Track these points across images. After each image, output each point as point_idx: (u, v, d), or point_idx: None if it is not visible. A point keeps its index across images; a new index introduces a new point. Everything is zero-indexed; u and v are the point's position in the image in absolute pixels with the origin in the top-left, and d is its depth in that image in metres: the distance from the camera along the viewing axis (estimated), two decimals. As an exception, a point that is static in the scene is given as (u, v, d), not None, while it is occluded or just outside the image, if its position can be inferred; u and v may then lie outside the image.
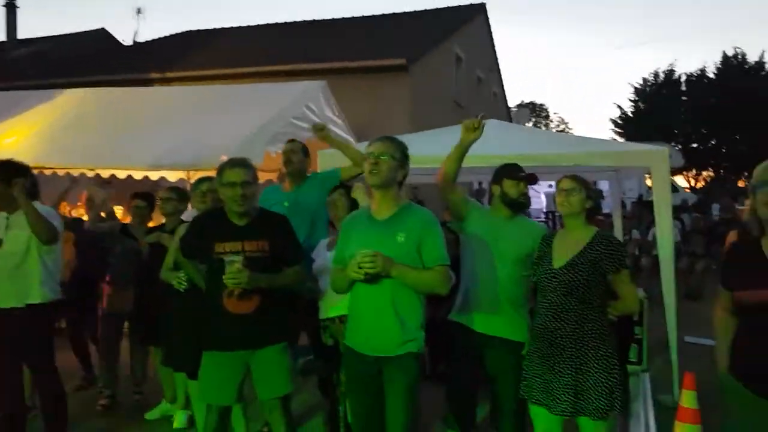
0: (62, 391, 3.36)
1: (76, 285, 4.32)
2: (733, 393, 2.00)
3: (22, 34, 19.05)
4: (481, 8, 16.21)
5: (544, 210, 16.98)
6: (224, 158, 5.65)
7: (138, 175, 7.57)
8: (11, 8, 18.53)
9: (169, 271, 3.41)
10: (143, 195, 4.26)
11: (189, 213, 3.93)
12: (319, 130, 3.86)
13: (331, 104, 7.80)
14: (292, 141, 3.89)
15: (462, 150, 2.81)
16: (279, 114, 6.75)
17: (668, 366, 4.42)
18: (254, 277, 2.54)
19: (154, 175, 7.19)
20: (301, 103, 7.12)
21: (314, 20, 15.74)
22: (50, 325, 3.37)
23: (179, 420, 3.82)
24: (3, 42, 18.76)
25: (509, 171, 2.98)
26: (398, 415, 2.45)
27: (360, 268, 2.29)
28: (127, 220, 4.80)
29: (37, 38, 19.29)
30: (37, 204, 3.17)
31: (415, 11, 15.44)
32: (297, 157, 3.69)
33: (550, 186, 18.55)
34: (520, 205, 2.96)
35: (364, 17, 15.44)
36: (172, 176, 7.44)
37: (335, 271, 2.59)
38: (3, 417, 3.26)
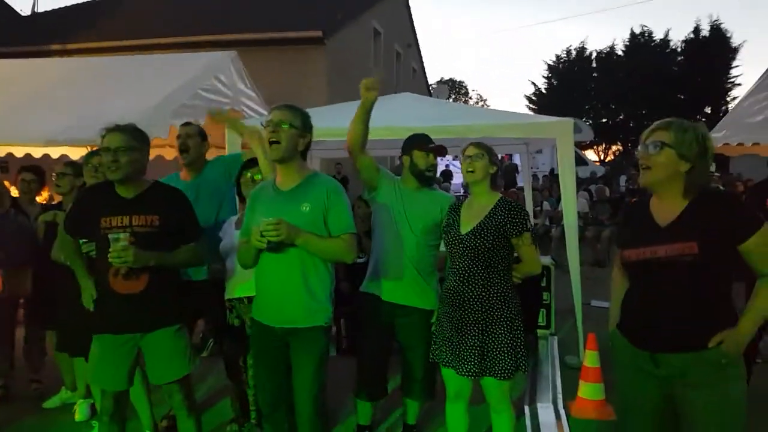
0: None
1: None
2: (620, 348, 2.09)
3: None
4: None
5: (459, 184, 17.37)
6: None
7: (37, 152, 7.06)
8: None
9: (58, 250, 3.17)
10: (32, 168, 3.93)
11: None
12: (215, 115, 3.62)
13: (243, 76, 7.51)
14: (187, 124, 3.54)
15: (364, 110, 2.76)
16: (185, 85, 6.43)
17: (575, 329, 4.60)
18: (141, 254, 2.36)
19: (54, 153, 6.73)
20: (210, 74, 6.80)
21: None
22: None
23: (81, 412, 3.61)
24: None
25: (418, 142, 2.98)
26: (306, 387, 2.43)
27: (263, 236, 2.22)
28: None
29: None
30: None
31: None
32: (193, 141, 3.38)
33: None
34: (427, 178, 2.98)
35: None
36: (74, 153, 6.99)
37: (241, 244, 2.50)
38: None
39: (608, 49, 29.14)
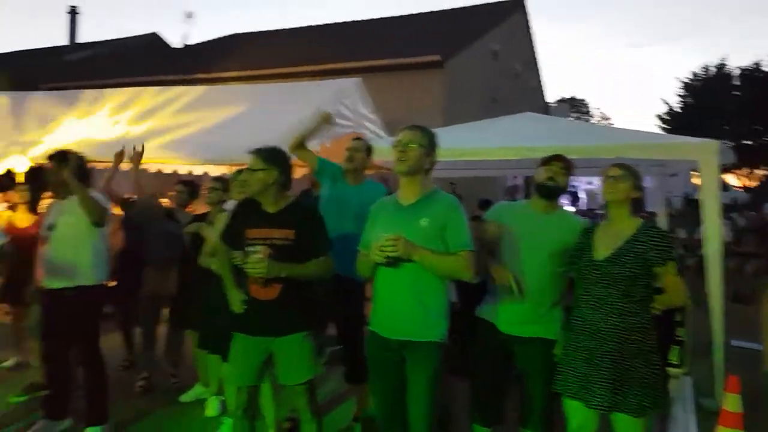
0: (104, 371, 3.52)
1: (123, 268, 4.48)
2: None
3: (82, 38, 19.98)
4: (519, 2, 16.00)
5: (585, 208, 16.59)
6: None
7: (182, 169, 7.88)
8: (73, 14, 19.48)
9: (207, 256, 3.52)
10: (185, 182, 4.40)
11: (230, 203, 4.04)
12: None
13: (366, 101, 7.84)
14: (357, 139, 3.97)
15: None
16: (314, 111, 6.81)
17: (711, 370, 4.23)
18: (274, 266, 2.59)
19: (198, 170, 7.47)
20: (336, 100, 7.18)
21: (352, 21, 15.94)
22: (99, 307, 3.54)
23: (212, 407, 3.91)
24: (64, 46, 19.71)
25: (542, 159, 2.90)
26: (420, 403, 2.46)
27: (381, 251, 2.32)
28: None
29: (94, 42, 20.14)
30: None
31: (451, 8, 15.40)
32: (359, 155, 3.76)
33: (590, 183, 18.06)
34: (548, 189, 2.81)
35: (401, 16, 15.54)
36: (215, 171, 7.70)
37: (360, 255, 2.62)
38: (49, 393, 3.44)
39: (753, 66, 26.54)
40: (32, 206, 4.68)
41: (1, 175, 7.79)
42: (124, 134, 7.14)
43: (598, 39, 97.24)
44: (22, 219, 4.56)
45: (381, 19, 15.64)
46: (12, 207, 4.73)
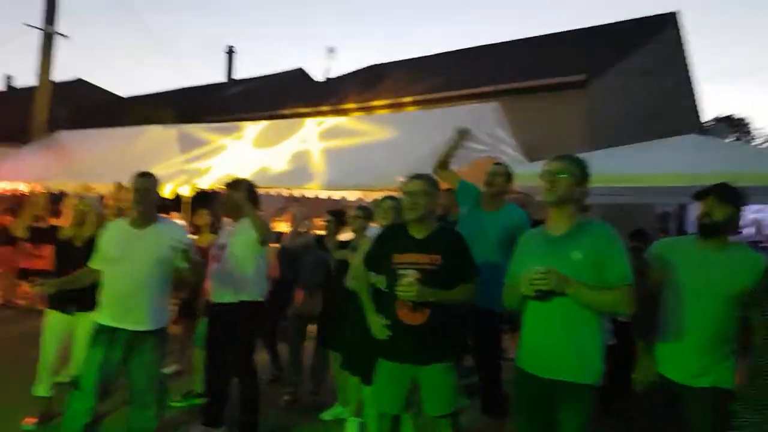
0: (257, 383, 3.74)
1: (274, 289, 4.78)
2: None
3: (238, 75, 22.22)
4: (671, 18, 14.83)
5: (754, 240, 14.71)
6: (401, 179, 6.06)
7: (323, 194, 8.37)
8: (230, 54, 21.78)
9: (353, 280, 3.61)
10: (334, 212, 4.62)
11: (372, 230, 4.18)
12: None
13: (503, 125, 7.72)
14: (498, 163, 4.02)
15: None
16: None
17: None
18: (424, 290, 2.59)
19: (336, 195, 7.88)
20: (474, 124, 7.15)
21: (489, 44, 15.77)
22: (256, 321, 3.78)
23: (351, 429, 3.96)
24: (223, 82, 22.04)
25: (695, 193, 2.64)
26: None
27: (532, 284, 2.22)
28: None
29: (248, 78, 22.26)
30: None
31: (597, 26, 14.63)
32: (500, 179, 3.78)
33: (760, 211, 15.99)
34: (706, 228, 2.55)
35: (541, 36, 15.06)
36: (351, 196, 8.06)
37: (507, 287, 2.54)
38: (208, 402, 3.73)
39: None
40: (213, 228, 5.13)
41: (170, 200, 8.82)
42: (274, 162, 7.72)
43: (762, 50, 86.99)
44: (203, 240, 5.00)
45: (519, 40, 15.31)
46: (196, 230, 5.22)
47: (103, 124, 13.32)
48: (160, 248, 3.12)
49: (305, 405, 4.46)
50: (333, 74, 20.72)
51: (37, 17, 13.85)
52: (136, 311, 3.10)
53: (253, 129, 9.24)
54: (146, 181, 3.22)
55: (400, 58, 17.94)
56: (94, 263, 3.29)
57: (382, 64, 18.24)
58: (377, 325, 2.82)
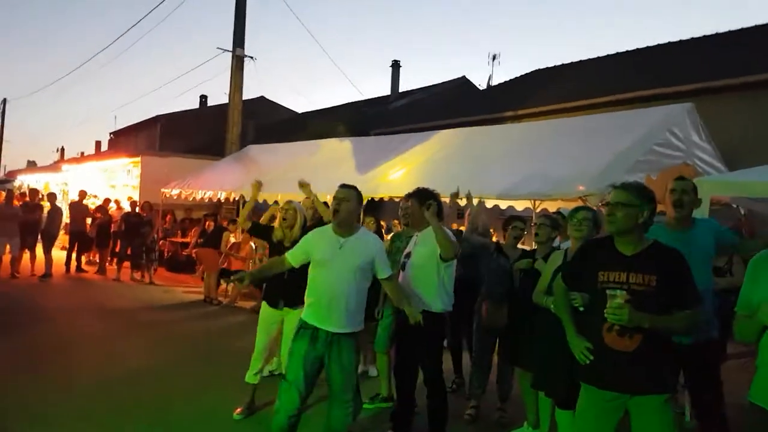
0: (445, 392, 3.74)
1: (457, 298, 4.76)
2: None
3: (403, 87, 22.98)
4: None
5: None
6: (581, 188, 5.75)
7: (489, 203, 8.23)
8: (396, 67, 22.61)
9: (542, 294, 3.48)
10: (521, 218, 4.48)
11: (564, 243, 3.99)
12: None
13: (699, 128, 6.94)
14: (681, 178, 3.47)
15: None
16: (638, 141, 6.35)
17: None
18: (636, 314, 2.33)
19: (502, 204, 7.71)
20: (664, 128, 6.54)
21: (679, 41, 14.23)
22: (442, 333, 3.80)
23: (545, 452, 3.79)
24: (388, 95, 22.95)
25: None
26: None
27: None
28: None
29: (412, 90, 22.92)
30: None
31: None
32: (689, 198, 3.31)
33: None
34: None
35: (740, 30, 13.26)
36: (519, 205, 7.81)
37: (740, 318, 2.21)
38: (397, 407, 3.82)
39: None
40: (378, 235, 5.39)
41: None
42: (444, 171, 7.77)
43: None
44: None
45: (715, 35, 13.59)
46: None
47: (282, 139, 14.62)
48: (361, 257, 3.28)
49: (490, 421, 4.34)
50: (496, 81, 20.49)
51: (228, 42, 15.53)
52: (337, 313, 3.25)
53: (420, 139, 9.46)
54: (347, 192, 3.37)
55: (569, 61, 17.05)
56: (292, 258, 3.45)
57: (549, 67, 17.54)
58: (579, 348, 2.60)
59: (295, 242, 3.74)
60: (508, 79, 18.98)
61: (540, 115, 11.94)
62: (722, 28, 16.43)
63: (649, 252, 2.50)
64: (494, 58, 22.43)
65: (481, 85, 21.70)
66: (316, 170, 9.43)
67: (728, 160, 7.21)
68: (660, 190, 3.42)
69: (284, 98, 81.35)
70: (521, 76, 18.18)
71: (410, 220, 3.90)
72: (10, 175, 29.25)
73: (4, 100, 37.61)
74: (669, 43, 14.32)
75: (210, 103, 30.81)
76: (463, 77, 22.35)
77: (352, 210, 3.35)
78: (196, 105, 31.66)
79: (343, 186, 3.42)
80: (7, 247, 9.91)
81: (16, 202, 10.75)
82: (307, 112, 27.16)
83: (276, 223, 4.62)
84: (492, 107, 14.39)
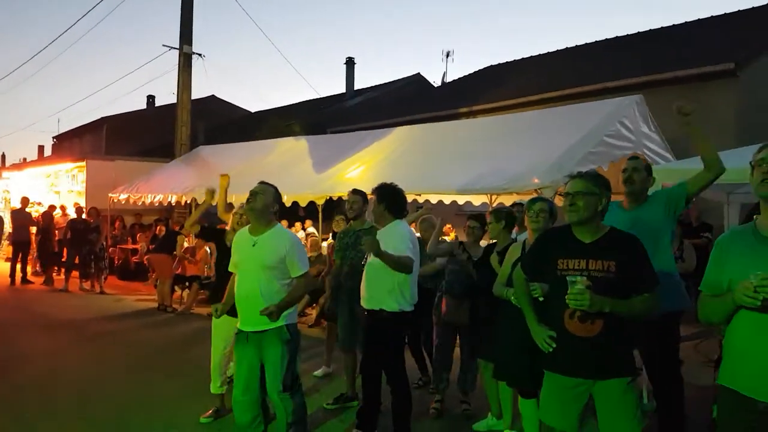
0: (408, 390, 3.71)
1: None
2: None
3: (357, 85, 22.87)
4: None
5: None
6: (536, 180, 5.82)
7: (447, 199, 8.29)
8: (350, 64, 22.46)
9: (502, 286, 3.49)
10: (476, 217, 4.49)
11: (521, 235, 4.00)
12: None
13: (648, 119, 7.15)
14: (634, 158, 3.64)
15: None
16: (589, 133, 6.48)
17: None
18: (597, 299, 2.35)
19: (460, 200, 7.76)
20: (614, 120, 6.70)
21: (625, 35, 14.68)
22: (402, 330, 3.78)
23: (508, 441, 3.81)
24: (343, 93, 22.81)
25: None
26: None
27: (755, 293, 1.90)
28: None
29: (368, 87, 22.85)
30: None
31: (748, 9, 13.05)
32: (639, 176, 3.43)
33: None
34: None
35: (684, 24, 13.76)
36: (476, 200, 7.89)
37: (705, 298, 2.21)
38: (363, 406, 3.77)
39: None
40: None
41: (303, 208, 9.20)
42: (402, 169, 7.74)
43: None
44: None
45: (660, 29, 14.04)
46: (333, 236, 5.40)
47: (235, 139, 14.28)
48: (270, 255, 3.23)
49: (455, 415, 4.34)
50: (450, 78, 20.64)
51: (175, 39, 15.07)
52: (251, 313, 3.21)
53: (377, 137, 9.41)
54: (262, 187, 3.35)
55: (520, 57, 17.32)
56: (231, 267, 3.46)
57: (502, 63, 17.78)
58: (542, 337, 2.61)
59: None
60: (461, 75, 19.17)
61: (494, 110, 12.07)
62: (655, 25, 17.00)
63: (607, 238, 2.53)
64: (448, 55, 22.53)
65: (436, 82, 21.87)
66: (271, 170, 9.24)
67: (676, 152, 7.43)
68: (612, 180, 3.50)
69: (237, 98, 79.75)
70: (475, 72, 18.40)
71: (374, 216, 3.83)
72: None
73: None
74: (615, 38, 14.76)
75: (158, 103, 29.87)
76: (418, 74, 22.46)
77: (266, 205, 3.29)
78: (143, 105, 30.63)
79: (261, 182, 3.42)
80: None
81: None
82: (261, 111, 26.73)
83: (228, 227, 4.46)
84: (447, 104, 14.46)
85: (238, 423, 3.33)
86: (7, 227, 11.58)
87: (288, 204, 7.83)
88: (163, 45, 15.06)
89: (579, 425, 2.55)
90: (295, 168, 9.49)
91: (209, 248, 9.12)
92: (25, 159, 34.16)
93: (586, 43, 15.43)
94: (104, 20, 50.16)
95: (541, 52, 16.53)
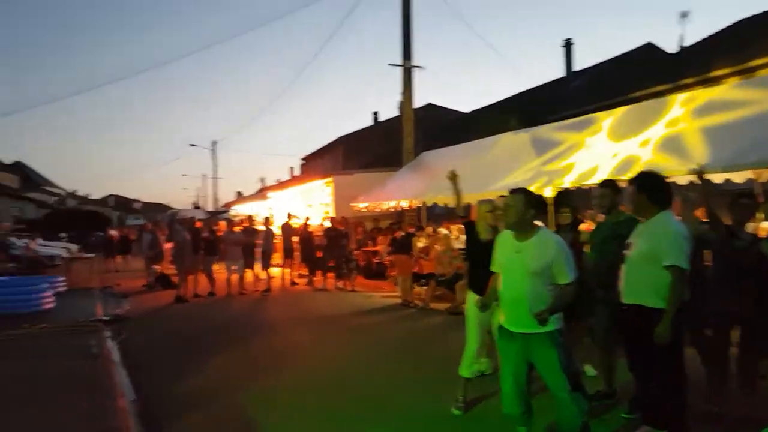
0: (686, 388, 3.43)
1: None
2: None
3: (578, 66, 21.68)
4: None
5: None
6: None
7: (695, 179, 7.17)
8: (568, 47, 21.36)
9: None
10: (747, 194, 3.94)
11: None
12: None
13: None
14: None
15: None
16: None
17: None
18: None
19: (718, 178, 6.64)
20: None
21: None
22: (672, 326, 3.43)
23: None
24: (562, 77, 21.81)
25: None
26: None
27: None
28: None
29: (589, 67, 21.45)
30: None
31: None
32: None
33: None
34: None
35: None
36: (738, 177, 6.70)
37: None
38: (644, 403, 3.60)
39: None
40: (574, 225, 5.21)
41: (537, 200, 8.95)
42: (640, 151, 7.10)
43: None
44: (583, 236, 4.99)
45: None
46: (558, 229, 5.24)
47: (453, 141, 14.64)
48: (536, 261, 3.21)
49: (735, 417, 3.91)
50: (689, 42, 18.21)
51: (393, 56, 16.02)
52: (519, 316, 3.23)
53: (608, 119, 8.74)
54: (509, 199, 3.34)
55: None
56: (493, 267, 3.55)
57: (752, 16, 15.11)
58: None
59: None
60: (701, 38, 16.76)
61: (753, 70, 10.31)
62: None
63: None
64: (683, 15, 19.88)
65: (672, 49, 19.47)
66: (494, 167, 9.29)
67: None
68: None
69: (449, 101, 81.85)
70: (719, 31, 15.93)
71: (634, 207, 3.57)
72: (226, 206, 33.95)
73: (214, 143, 43.47)
74: None
75: (381, 118, 32.45)
76: (649, 44, 20.26)
77: (519, 215, 3.28)
78: (369, 122, 33.60)
79: (512, 191, 3.44)
80: (232, 267, 11.42)
81: (237, 229, 12.37)
82: (477, 110, 26.93)
83: (481, 224, 4.40)
84: (682, 73, 12.81)
85: (506, 413, 3.47)
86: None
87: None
88: (389, 64, 15.98)
89: None
90: (520, 162, 9.35)
91: (439, 247, 9.59)
92: (278, 180, 39.99)
93: None
94: (332, 51, 55.72)
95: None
